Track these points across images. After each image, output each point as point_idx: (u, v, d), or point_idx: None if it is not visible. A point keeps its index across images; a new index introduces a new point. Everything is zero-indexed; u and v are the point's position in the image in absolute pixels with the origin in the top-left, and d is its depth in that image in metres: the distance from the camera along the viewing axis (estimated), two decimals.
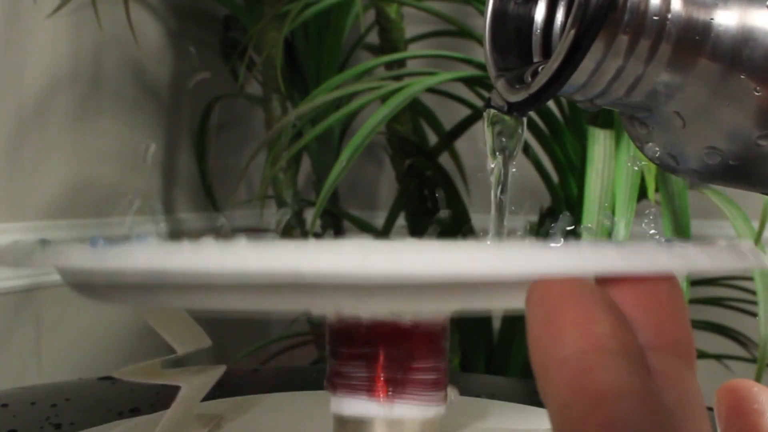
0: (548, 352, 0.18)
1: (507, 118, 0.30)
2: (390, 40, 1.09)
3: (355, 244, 0.21)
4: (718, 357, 1.05)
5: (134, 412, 0.45)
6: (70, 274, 0.24)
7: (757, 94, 0.24)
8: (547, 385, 0.18)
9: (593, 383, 0.17)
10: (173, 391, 0.33)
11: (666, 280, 0.21)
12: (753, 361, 0.97)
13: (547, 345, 0.19)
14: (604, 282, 0.20)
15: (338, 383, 0.30)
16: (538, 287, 0.20)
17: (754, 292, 0.73)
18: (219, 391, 0.36)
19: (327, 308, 0.27)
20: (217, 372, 0.35)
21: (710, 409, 0.44)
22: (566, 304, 0.19)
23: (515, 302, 0.21)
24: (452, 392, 0.33)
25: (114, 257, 0.22)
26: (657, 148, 0.28)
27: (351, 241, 0.21)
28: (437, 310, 0.29)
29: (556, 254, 0.20)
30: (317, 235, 1.04)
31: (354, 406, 0.30)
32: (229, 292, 0.22)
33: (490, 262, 0.20)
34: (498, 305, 0.23)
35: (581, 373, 0.18)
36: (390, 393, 0.29)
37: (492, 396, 0.44)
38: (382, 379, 0.29)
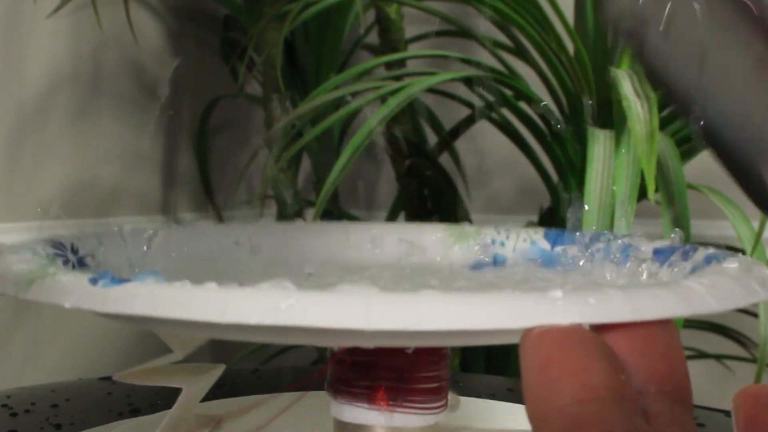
0: (544, 401, 0.18)
1: None
2: (390, 40, 1.09)
3: (358, 292, 0.21)
4: (718, 357, 1.05)
5: (134, 412, 0.45)
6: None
7: None
8: None
9: None
10: (173, 391, 0.33)
11: (661, 322, 0.21)
12: (753, 361, 0.97)
13: (543, 394, 0.19)
14: (599, 326, 0.20)
15: (339, 389, 0.30)
16: (532, 335, 0.20)
17: None
18: (219, 391, 0.36)
19: (330, 344, 0.27)
20: (217, 372, 0.35)
21: (725, 412, 0.44)
22: (561, 352, 0.19)
23: (517, 340, 0.21)
24: (453, 399, 0.32)
25: (113, 301, 0.22)
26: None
27: (354, 288, 0.21)
28: (438, 345, 0.29)
29: (554, 304, 0.20)
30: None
31: (354, 413, 0.30)
32: (232, 330, 0.22)
33: (490, 316, 0.20)
34: (500, 342, 0.23)
35: (578, 424, 0.18)
36: (390, 402, 0.29)
37: (492, 396, 0.44)
38: (382, 388, 0.29)
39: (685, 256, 0.31)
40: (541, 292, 0.21)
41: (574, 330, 0.19)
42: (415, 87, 0.82)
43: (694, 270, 0.29)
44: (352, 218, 1.22)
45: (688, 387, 0.21)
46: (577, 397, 0.18)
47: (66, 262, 0.30)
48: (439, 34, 1.17)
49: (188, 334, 0.31)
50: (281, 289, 0.21)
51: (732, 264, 0.27)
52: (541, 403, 0.18)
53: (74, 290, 0.22)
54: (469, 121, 1.08)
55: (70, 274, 0.24)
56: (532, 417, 0.19)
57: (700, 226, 0.87)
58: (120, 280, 0.22)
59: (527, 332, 0.20)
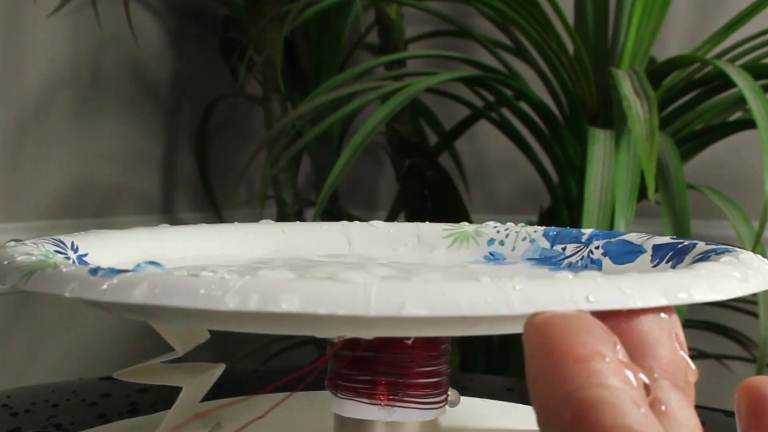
0: (549, 388, 0.18)
1: None
2: (390, 40, 1.09)
3: (358, 281, 0.21)
4: (718, 357, 1.05)
5: (134, 412, 0.45)
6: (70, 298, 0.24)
7: None
8: (548, 421, 0.18)
9: (595, 420, 0.17)
10: (173, 390, 0.33)
11: (662, 309, 0.21)
12: (753, 361, 0.97)
13: (547, 381, 0.18)
14: (601, 314, 0.20)
15: (339, 385, 0.30)
16: (536, 321, 0.20)
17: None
18: (219, 390, 0.36)
19: (329, 335, 0.27)
20: (217, 371, 0.35)
21: (725, 412, 0.44)
22: (565, 338, 0.19)
23: (518, 329, 0.21)
24: (453, 394, 0.32)
25: (113, 290, 0.22)
26: None
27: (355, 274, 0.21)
28: (439, 335, 0.29)
29: (552, 290, 0.20)
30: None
31: (355, 409, 0.30)
32: (231, 319, 0.22)
33: (489, 302, 0.20)
34: (501, 331, 0.23)
35: (583, 410, 0.18)
36: (391, 397, 0.29)
37: (492, 396, 0.44)
38: (383, 383, 0.29)
39: (685, 251, 0.31)
40: (541, 278, 0.21)
41: (578, 316, 0.19)
42: (415, 87, 0.82)
43: (692, 263, 0.29)
44: (352, 218, 1.22)
45: (690, 375, 0.21)
46: (581, 383, 0.18)
47: (66, 259, 0.31)
48: (439, 34, 1.18)
49: (188, 325, 0.31)
50: (280, 276, 0.21)
51: (729, 257, 0.27)
52: (546, 390, 0.18)
53: (74, 280, 0.22)
54: (469, 121, 1.08)
55: (71, 266, 0.24)
56: (537, 404, 0.19)
57: (700, 226, 0.88)
58: (119, 271, 0.22)
59: (530, 318, 0.20)
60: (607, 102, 0.85)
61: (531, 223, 0.39)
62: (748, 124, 0.81)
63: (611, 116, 0.76)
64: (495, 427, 0.39)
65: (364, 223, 0.40)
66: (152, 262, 0.24)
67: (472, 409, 0.40)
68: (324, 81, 0.99)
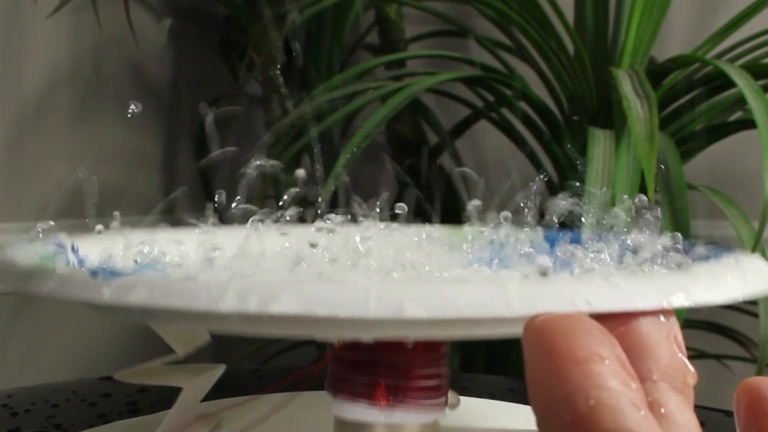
0: (549, 390, 0.18)
1: None
2: (390, 40, 1.09)
3: (357, 284, 0.21)
4: (718, 357, 1.05)
5: (134, 412, 0.45)
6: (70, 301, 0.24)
7: None
8: (548, 423, 0.18)
9: (595, 422, 0.17)
10: (173, 390, 0.33)
11: (661, 312, 0.21)
12: (753, 361, 0.97)
13: (547, 383, 0.18)
14: (600, 316, 0.20)
15: (339, 388, 0.30)
16: (535, 323, 0.20)
17: None
18: (219, 390, 0.36)
19: (329, 337, 0.27)
20: (217, 372, 0.35)
21: (725, 412, 0.44)
22: (565, 341, 0.19)
23: (518, 331, 0.21)
24: (453, 397, 0.32)
25: (113, 292, 0.22)
26: None
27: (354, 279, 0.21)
28: (438, 338, 0.29)
29: (552, 292, 0.20)
30: None
31: (355, 411, 0.30)
32: (231, 321, 0.22)
33: (488, 303, 0.20)
34: (501, 334, 0.23)
35: (583, 412, 0.18)
36: (391, 400, 0.29)
37: (492, 396, 0.44)
38: (383, 385, 0.29)
39: (686, 253, 0.31)
40: (540, 280, 0.21)
41: (577, 318, 0.19)
42: (415, 87, 0.82)
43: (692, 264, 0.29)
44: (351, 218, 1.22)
45: (689, 377, 0.21)
46: (581, 385, 0.18)
47: (67, 263, 0.31)
48: (439, 34, 1.17)
49: (187, 327, 0.30)
50: (279, 277, 0.21)
51: (729, 257, 0.27)
52: (545, 392, 0.18)
53: (74, 283, 0.22)
54: (469, 121, 1.08)
55: (71, 268, 0.24)
56: (536, 406, 0.19)
57: (700, 226, 0.87)
58: (119, 273, 0.22)
59: (530, 320, 0.20)
60: (607, 102, 0.85)
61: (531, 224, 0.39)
62: (748, 124, 0.81)
63: (611, 116, 0.76)
64: (495, 427, 0.39)
65: (361, 225, 0.40)
66: (152, 266, 0.24)
67: (472, 409, 0.40)
68: (324, 81, 0.99)
